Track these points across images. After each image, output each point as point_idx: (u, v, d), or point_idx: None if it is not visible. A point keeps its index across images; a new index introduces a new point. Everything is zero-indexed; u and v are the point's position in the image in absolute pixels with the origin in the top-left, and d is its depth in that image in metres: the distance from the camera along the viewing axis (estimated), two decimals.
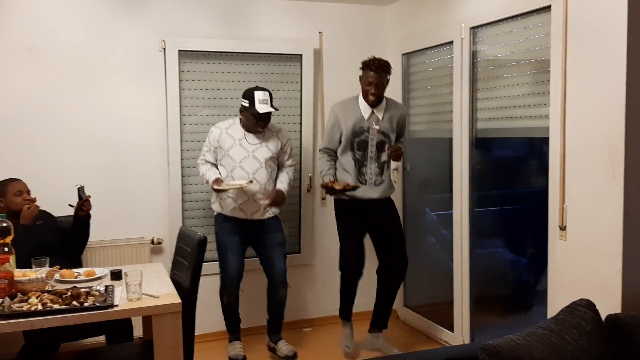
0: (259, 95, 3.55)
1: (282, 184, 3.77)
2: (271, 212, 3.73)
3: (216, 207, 3.76)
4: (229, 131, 3.66)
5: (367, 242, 3.81)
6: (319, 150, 3.83)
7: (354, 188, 3.57)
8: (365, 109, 3.62)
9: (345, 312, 3.87)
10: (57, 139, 3.80)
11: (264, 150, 3.66)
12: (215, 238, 3.80)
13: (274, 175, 3.75)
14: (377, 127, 3.60)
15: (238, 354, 3.73)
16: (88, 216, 3.42)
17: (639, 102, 2.50)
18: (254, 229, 3.74)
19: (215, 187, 3.57)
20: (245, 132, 3.66)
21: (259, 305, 3.99)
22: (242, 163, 3.62)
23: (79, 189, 3.34)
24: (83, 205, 3.33)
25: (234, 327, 3.85)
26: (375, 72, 3.49)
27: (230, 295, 3.76)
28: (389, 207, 3.76)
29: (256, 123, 3.60)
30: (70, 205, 3.37)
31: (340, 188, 3.52)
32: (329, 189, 3.57)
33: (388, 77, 3.58)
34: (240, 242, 3.73)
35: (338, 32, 4.43)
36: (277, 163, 3.77)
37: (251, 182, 3.57)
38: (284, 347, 3.80)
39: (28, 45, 3.71)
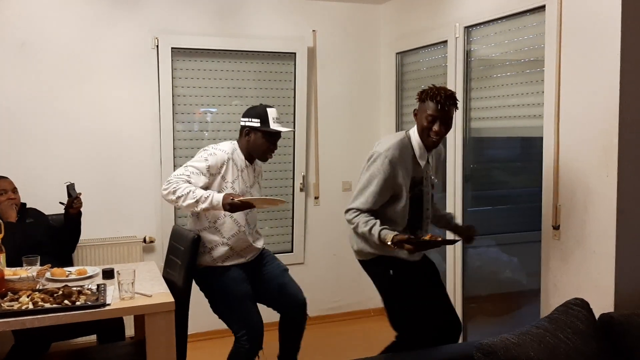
0: (272, 112, 2.90)
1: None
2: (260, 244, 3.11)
3: (206, 260, 2.93)
4: (234, 158, 2.92)
5: None
6: (351, 210, 2.67)
7: (451, 242, 2.74)
8: (421, 154, 2.71)
9: None
10: (48, 136, 3.77)
11: (257, 187, 3.08)
12: (214, 294, 2.98)
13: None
14: (430, 177, 2.79)
15: None
16: (79, 214, 3.39)
17: (633, 101, 2.51)
18: (255, 266, 3.07)
19: (240, 199, 2.70)
20: (247, 162, 2.99)
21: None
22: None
23: (68, 186, 3.30)
24: (73, 202, 3.30)
25: None
26: (442, 105, 2.58)
27: (255, 356, 2.93)
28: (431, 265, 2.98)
29: (267, 148, 2.92)
30: (60, 203, 3.34)
31: (429, 238, 2.57)
32: (414, 243, 2.53)
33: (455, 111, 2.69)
34: (252, 288, 2.98)
35: (332, 30, 4.42)
36: None
37: (282, 201, 2.90)
38: None
39: (19, 41, 3.67)
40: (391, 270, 2.75)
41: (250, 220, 3.01)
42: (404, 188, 2.66)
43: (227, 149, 2.93)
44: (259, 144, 2.93)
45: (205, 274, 2.95)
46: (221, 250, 2.91)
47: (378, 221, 2.61)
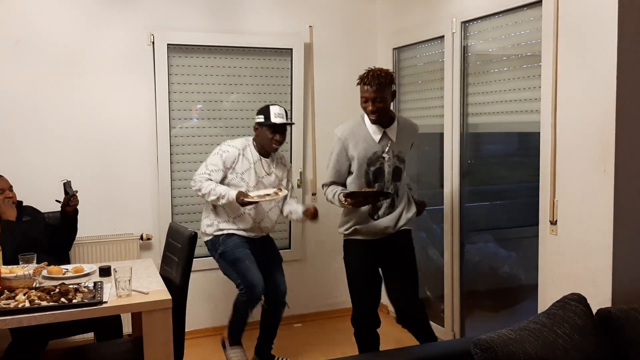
0: (274, 109, 3.38)
1: (301, 205, 3.63)
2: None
3: (212, 230, 3.45)
4: (245, 153, 3.41)
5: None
6: (322, 185, 3.19)
7: (387, 194, 3.02)
8: (375, 130, 3.03)
9: None
10: (44, 134, 3.76)
11: (273, 177, 3.48)
12: (220, 258, 3.44)
13: (280, 203, 3.56)
14: (392, 152, 3.04)
15: None
16: (75, 212, 3.38)
17: (630, 97, 2.50)
18: (257, 245, 3.51)
19: (247, 199, 3.22)
20: (260, 156, 3.45)
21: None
22: (254, 189, 3.39)
23: (65, 184, 3.29)
24: (70, 200, 3.29)
25: (239, 334, 3.51)
26: (370, 85, 2.91)
27: (253, 307, 3.42)
28: (407, 237, 3.21)
29: (272, 139, 3.37)
30: (57, 200, 3.33)
31: (372, 194, 2.91)
32: (365, 195, 2.90)
33: (392, 89, 2.98)
34: (252, 253, 3.43)
35: (328, 26, 4.41)
36: None
37: (280, 190, 3.38)
38: None
39: (13, 38, 3.65)
40: (346, 252, 3.17)
41: (261, 214, 3.47)
42: (356, 161, 3.01)
43: (239, 145, 3.42)
44: (264, 136, 3.40)
45: (212, 242, 3.46)
46: (230, 229, 3.44)
47: (339, 188, 3.02)
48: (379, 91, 2.90)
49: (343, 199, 2.92)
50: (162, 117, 3.99)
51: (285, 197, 3.54)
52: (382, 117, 2.99)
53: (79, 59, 3.80)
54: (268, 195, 3.32)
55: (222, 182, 3.37)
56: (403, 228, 3.13)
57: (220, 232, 3.43)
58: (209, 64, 4.13)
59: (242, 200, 3.23)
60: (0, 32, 3.62)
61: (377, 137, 3.02)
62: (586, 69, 2.63)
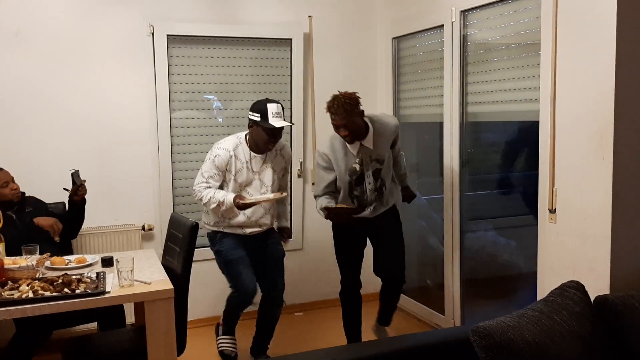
0: (272, 108, 3.19)
1: (287, 221, 3.71)
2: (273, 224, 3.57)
3: (212, 226, 3.45)
4: (236, 152, 3.31)
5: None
6: (315, 197, 3.39)
7: (358, 210, 3.26)
8: (352, 146, 3.26)
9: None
10: (44, 125, 3.77)
11: (270, 172, 3.39)
12: (216, 257, 3.49)
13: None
14: (369, 157, 3.29)
15: (231, 352, 3.54)
16: (83, 201, 3.39)
17: (628, 85, 2.51)
18: (255, 242, 3.48)
19: (243, 202, 3.20)
20: (252, 153, 3.35)
21: None
22: (248, 187, 3.36)
23: (73, 173, 3.29)
24: (78, 190, 3.30)
25: (233, 325, 3.60)
26: (337, 114, 3.10)
27: (244, 307, 3.47)
28: (392, 214, 3.49)
29: (267, 140, 3.25)
30: (65, 189, 3.33)
31: (347, 210, 3.17)
32: (336, 212, 3.16)
33: (359, 110, 3.17)
34: (247, 255, 3.42)
35: (328, 16, 4.40)
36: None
37: (281, 193, 3.35)
38: None
39: (13, 30, 3.65)
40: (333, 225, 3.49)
41: (258, 213, 3.43)
42: (339, 174, 3.28)
43: (230, 146, 3.31)
44: (260, 137, 3.25)
45: (210, 237, 3.49)
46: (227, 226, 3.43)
47: (326, 201, 3.24)
48: (347, 118, 3.10)
49: (322, 212, 3.21)
50: (162, 108, 3.99)
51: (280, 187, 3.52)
52: (356, 136, 3.21)
53: (78, 50, 3.80)
54: (268, 198, 3.28)
55: (223, 183, 3.33)
56: (390, 206, 3.44)
57: (217, 228, 3.42)
58: (208, 54, 4.13)
59: (238, 203, 3.18)
60: (1, 23, 3.62)
61: (354, 150, 3.27)
62: (585, 57, 2.63)
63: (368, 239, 3.57)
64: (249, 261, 3.40)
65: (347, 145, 3.26)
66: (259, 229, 3.45)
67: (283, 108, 3.31)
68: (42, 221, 3.27)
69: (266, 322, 3.55)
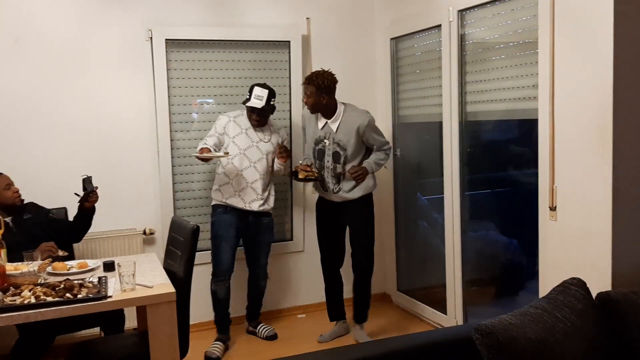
0: (257, 91, 3.71)
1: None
2: (268, 205, 3.89)
3: (216, 196, 3.82)
4: (237, 120, 3.80)
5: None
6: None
7: (316, 178, 3.73)
8: (320, 118, 3.73)
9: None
10: (44, 131, 3.77)
11: (268, 144, 3.83)
12: (210, 227, 3.85)
13: (269, 169, 3.88)
14: (332, 139, 3.68)
15: (212, 353, 3.72)
16: (93, 209, 3.35)
17: (627, 81, 2.51)
18: (250, 226, 3.86)
19: (195, 154, 3.61)
20: (250, 125, 3.81)
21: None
22: (246, 151, 3.76)
23: (84, 179, 3.22)
24: (89, 196, 3.25)
25: (222, 325, 3.89)
26: (304, 84, 3.68)
27: (219, 286, 3.82)
28: (358, 208, 3.77)
29: (249, 115, 3.78)
30: (76, 194, 3.28)
31: (303, 176, 3.68)
32: (293, 172, 3.82)
33: (327, 89, 3.60)
34: (235, 236, 3.81)
35: (326, 17, 4.41)
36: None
37: (227, 154, 3.64)
38: (263, 330, 4.04)
39: (12, 36, 3.66)
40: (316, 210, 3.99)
41: (241, 184, 3.81)
42: (308, 138, 3.85)
43: (232, 113, 3.87)
44: (247, 112, 3.81)
45: (212, 207, 3.88)
46: (228, 189, 3.81)
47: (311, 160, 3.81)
48: (307, 89, 3.62)
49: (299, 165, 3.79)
50: (161, 112, 4.00)
51: (272, 162, 3.86)
52: (317, 109, 3.66)
53: (77, 56, 3.81)
54: (217, 155, 3.62)
55: (219, 147, 3.76)
56: (355, 197, 3.72)
57: (215, 202, 3.84)
58: (207, 58, 4.14)
59: (197, 154, 3.58)
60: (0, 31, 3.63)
61: (320, 124, 3.72)
62: (583, 55, 2.64)
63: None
64: (235, 242, 3.82)
65: (320, 116, 3.71)
66: (250, 208, 3.79)
67: (271, 93, 3.73)
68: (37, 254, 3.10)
69: (254, 294, 4.06)
